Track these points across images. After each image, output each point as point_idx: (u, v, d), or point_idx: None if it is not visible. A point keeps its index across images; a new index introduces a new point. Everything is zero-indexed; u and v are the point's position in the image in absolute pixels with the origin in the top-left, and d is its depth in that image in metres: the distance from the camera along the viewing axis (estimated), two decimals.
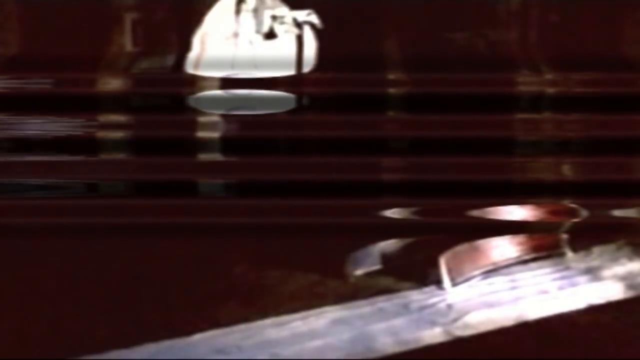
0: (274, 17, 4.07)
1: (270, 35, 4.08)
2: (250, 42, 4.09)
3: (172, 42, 4.20)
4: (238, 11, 4.08)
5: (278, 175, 3.90)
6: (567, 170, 4.24)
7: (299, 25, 4.08)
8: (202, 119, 4.14)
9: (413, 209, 4.00)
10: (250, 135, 4.07)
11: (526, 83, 4.23)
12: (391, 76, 4.17)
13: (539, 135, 4.24)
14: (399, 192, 4.05)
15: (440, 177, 3.93)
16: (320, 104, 4.09)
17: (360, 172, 3.96)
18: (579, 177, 4.20)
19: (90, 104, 4.04)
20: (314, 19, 4.07)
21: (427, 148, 3.96)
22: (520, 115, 4.19)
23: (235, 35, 4.09)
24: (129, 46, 4.18)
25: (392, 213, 4.00)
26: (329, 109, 4.05)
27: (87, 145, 4.04)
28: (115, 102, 4.09)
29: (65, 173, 3.98)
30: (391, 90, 4.15)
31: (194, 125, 4.13)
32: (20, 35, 4.12)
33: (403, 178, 4.08)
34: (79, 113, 4.01)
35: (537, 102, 4.23)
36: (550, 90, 4.24)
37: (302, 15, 4.07)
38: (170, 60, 4.17)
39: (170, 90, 4.03)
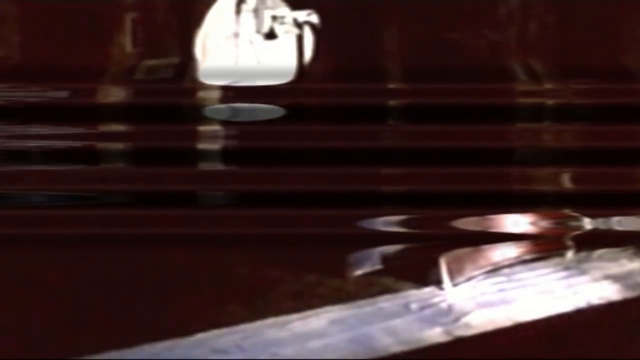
0: (274, 17, 4.07)
1: (271, 35, 4.08)
2: (251, 42, 4.09)
3: (173, 44, 4.20)
4: (238, 11, 4.08)
5: (278, 186, 3.91)
6: (566, 181, 4.24)
7: (299, 25, 4.08)
8: (202, 128, 4.14)
9: (412, 220, 4.01)
10: (251, 146, 4.07)
11: (526, 93, 4.23)
12: (390, 86, 4.18)
13: (539, 146, 4.24)
14: (398, 203, 4.05)
15: (440, 187, 3.94)
16: (319, 113, 4.08)
17: (360, 182, 3.97)
18: (579, 188, 4.20)
19: (91, 114, 4.04)
20: (314, 19, 4.07)
21: (426, 158, 3.96)
22: (520, 126, 4.19)
23: (236, 35, 4.09)
24: (129, 48, 4.18)
25: (391, 223, 4.01)
26: (328, 119, 4.05)
27: (87, 155, 4.04)
28: (116, 112, 4.09)
29: (65, 183, 3.98)
30: (390, 101, 4.15)
31: (194, 136, 4.13)
32: (19, 44, 4.12)
33: (402, 188, 4.08)
34: (79, 123, 4.01)
35: (537, 112, 4.23)
36: (550, 100, 4.24)
37: (303, 15, 4.08)
38: (172, 62, 4.17)
39: (171, 100, 4.02)
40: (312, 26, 4.07)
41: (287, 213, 3.83)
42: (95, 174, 4.05)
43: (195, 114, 4.12)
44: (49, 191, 3.97)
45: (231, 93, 4.11)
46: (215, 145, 4.15)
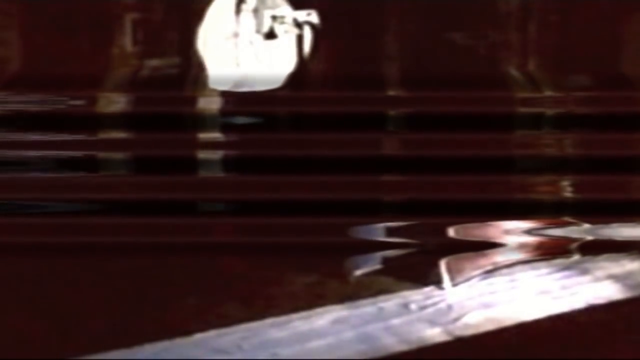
0: (274, 17, 4.08)
1: (271, 35, 4.08)
2: (251, 42, 4.09)
3: (172, 45, 4.19)
4: (238, 11, 4.08)
5: (279, 194, 3.91)
6: (566, 189, 4.24)
7: (299, 25, 4.08)
8: (202, 137, 4.14)
9: (412, 228, 4.01)
10: (252, 154, 4.06)
11: (526, 101, 4.23)
12: (391, 95, 4.18)
13: (539, 154, 4.25)
14: (398, 210, 4.06)
15: (440, 195, 3.95)
16: (320, 122, 4.08)
17: (361, 190, 3.97)
18: (579, 195, 4.21)
19: (91, 122, 4.04)
20: (314, 19, 4.08)
21: (426, 166, 3.97)
22: (520, 134, 4.20)
23: (236, 35, 4.09)
24: (129, 52, 4.17)
25: (391, 231, 4.02)
26: (330, 126, 4.04)
27: (87, 163, 4.04)
28: (115, 120, 4.08)
29: (65, 192, 3.97)
30: (391, 109, 4.16)
31: (194, 144, 4.13)
32: (20, 53, 4.11)
33: (403, 196, 4.08)
34: (80, 131, 4.01)
35: (537, 121, 4.24)
36: (550, 108, 4.25)
37: (302, 15, 4.08)
38: (172, 62, 4.17)
39: (171, 109, 4.02)
40: (313, 27, 4.08)
41: (287, 221, 3.84)
42: (97, 181, 4.05)
43: (195, 122, 4.12)
44: (50, 199, 3.96)
45: (231, 100, 4.11)
46: (216, 154, 4.14)
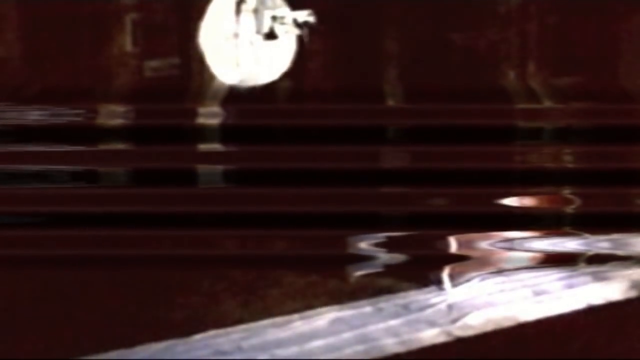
0: (274, 18, 4.08)
1: (271, 35, 4.08)
2: (251, 43, 4.10)
3: (173, 46, 4.19)
4: (238, 11, 4.09)
5: (279, 206, 3.92)
6: (566, 200, 4.25)
7: (299, 25, 4.08)
8: (202, 148, 4.13)
9: (412, 239, 4.02)
10: (252, 166, 4.06)
11: (526, 114, 4.24)
12: (390, 106, 4.18)
13: (539, 166, 4.26)
14: (399, 222, 4.06)
15: (440, 208, 3.96)
16: (322, 134, 4.08)
17: (361, 202, 3.98)
18: (579, 208, 4.22)
19: (92, 134, 4.04)
20: (313, 19, 4.08)
21: (426, 179, 3.97)
22: (520, 146, 4.21)
23: (236, 35, 4.09)
24: (128, 49, 4.17)
25: (390, 243, 4.03)
26: (331, 140, 4.04)
27: (87, 175, 4.04)
28: (116, 132, 4.08)
29: (65, 203, 3.97)
30: (390, 121, 4.16)
31: (193, 156, 4.12)
32: (21, 65, 4.11)
33: (403, 209, 4.09)
34: (79, 143, 4.00)
35: (536, 133, 4.25)
36: (550, 121, 4.26)
37: (302, 15, 4.08)
38: (172, 62, 4.17)
39: (172, 122, 4.01)
40: (312, 28, 4.08)
41: (286, 233, 3.85)
42: (95, 194, 4.04)
43: (195, 134, 4.11)
44: (49, 211, 3.95)
45: (231, 112, 4.11)
46: (216, 166, 4.14)
